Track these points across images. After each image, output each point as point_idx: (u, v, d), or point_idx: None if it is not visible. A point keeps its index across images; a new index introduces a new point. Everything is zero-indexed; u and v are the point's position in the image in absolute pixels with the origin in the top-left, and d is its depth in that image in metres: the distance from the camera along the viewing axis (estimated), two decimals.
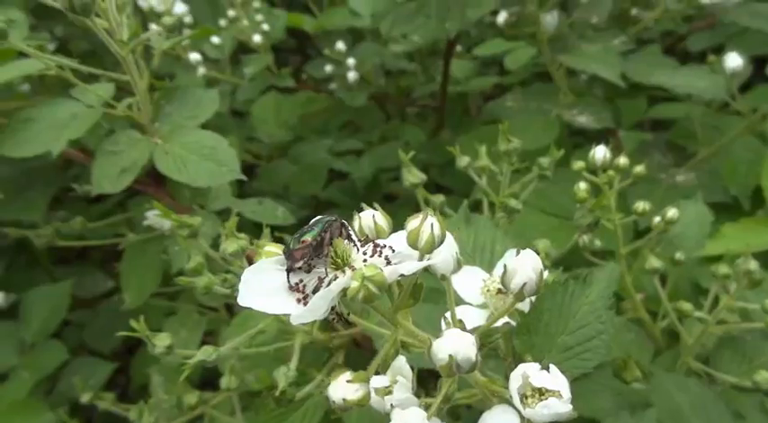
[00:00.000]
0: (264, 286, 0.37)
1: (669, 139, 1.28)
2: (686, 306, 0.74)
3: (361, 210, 0.42)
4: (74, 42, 1.64)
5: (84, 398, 0.95)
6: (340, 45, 1.53)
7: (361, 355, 0.82)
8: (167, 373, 1.05)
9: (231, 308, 1.10)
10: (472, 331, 0.40)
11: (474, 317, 0.55)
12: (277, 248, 0.39)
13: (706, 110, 1.23)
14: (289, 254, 0.38)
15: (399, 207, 1.57)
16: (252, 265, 0.38)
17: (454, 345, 0.37)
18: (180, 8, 1.35)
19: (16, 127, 0.81)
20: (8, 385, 1.19)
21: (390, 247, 0.39)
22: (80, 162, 0.93)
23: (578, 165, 0.77)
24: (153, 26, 1.31)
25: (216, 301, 1.06)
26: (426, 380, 0.55)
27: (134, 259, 0.97)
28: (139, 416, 0.81)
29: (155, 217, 0.97)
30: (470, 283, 0.57)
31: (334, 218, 0.39)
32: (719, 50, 1.52)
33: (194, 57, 1.38)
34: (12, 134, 0.80)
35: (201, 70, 1.39)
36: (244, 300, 0.36)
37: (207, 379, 1.12)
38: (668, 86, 1.10)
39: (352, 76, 1.51)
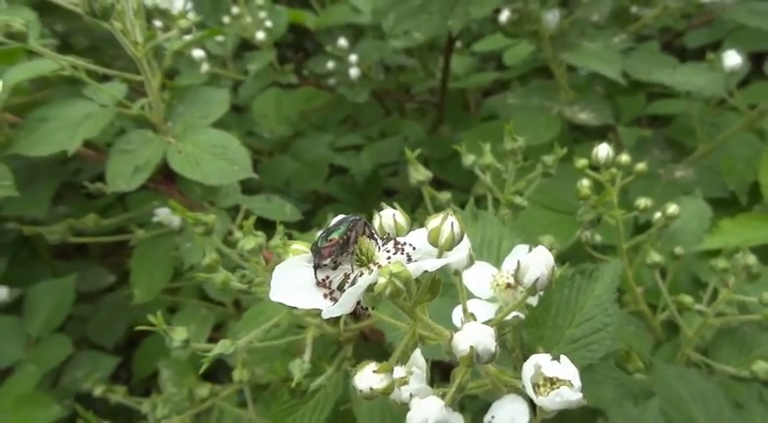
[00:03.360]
0: (294, 282, 0.39)
1: (668, 135, 1.30)
2: (686, 299, 0.76)
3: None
4: (74, 38, 1.65)
5: (97, 391, 0.97)
6: (342, 42, 1.54)
7: (368, 348, 0.84)
8: (176, 366, 1.07)
9: (238, 303, 1.12)
10: (486, 323, 0.42)
11: (484, 310, 0.57)
12: (304, 246, 0.41)
13: (704, 106, 1.25)
14: (317, 251, 0.40)
15: (399, 202, 1.58)
16: (282, 263, 0.40)
17: (475, 336, 0.39)
18: (181, 4, 1.36)
19: (30, 126, 0.82)
20: (15, 379, 1.20)
21: (411, 245, 0.41)
22: (83, 157, 0.93)
23: (581, 163, 0.79)
24: (157, 23, 1.32)
25: (225, 296, 1.08)
26: (432, 373, 0.57)
27: (144, 255, 0.98)
28: (152, 409, 0.82)
29: (164, 214, 0.98)
30: (480, 278, 0.59)
31: (358, 217, 0.41)
32: (717, 47, 1.54)
33: (198, 53, 1.39)
34: (26, 133, 0.81)
35: (205, 67, 1.40)
36: (276, 295, 0.38)
37: (209, 372, 1.14)
38: (667, 84, 1.12)
39: (353, 72, 1.52)
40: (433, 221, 0.39)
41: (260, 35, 1.46)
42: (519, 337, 0.55)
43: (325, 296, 0.39)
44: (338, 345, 0.78)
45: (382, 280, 0.35)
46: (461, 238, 0.40)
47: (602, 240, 0.92)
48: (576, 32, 1.17)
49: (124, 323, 1.45)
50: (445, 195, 0.80)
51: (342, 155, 1.64)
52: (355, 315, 0.39)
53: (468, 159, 0.81)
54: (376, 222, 0.43)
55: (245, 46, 1.56)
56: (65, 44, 1.56)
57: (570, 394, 0.40)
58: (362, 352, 0.79)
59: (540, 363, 0.42)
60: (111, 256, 1.67)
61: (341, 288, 0.39)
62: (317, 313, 0.65)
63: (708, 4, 1.18)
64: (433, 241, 0.39)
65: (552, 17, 1.14)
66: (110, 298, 1.51)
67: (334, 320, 0.70)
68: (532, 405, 0.46)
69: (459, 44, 1.68)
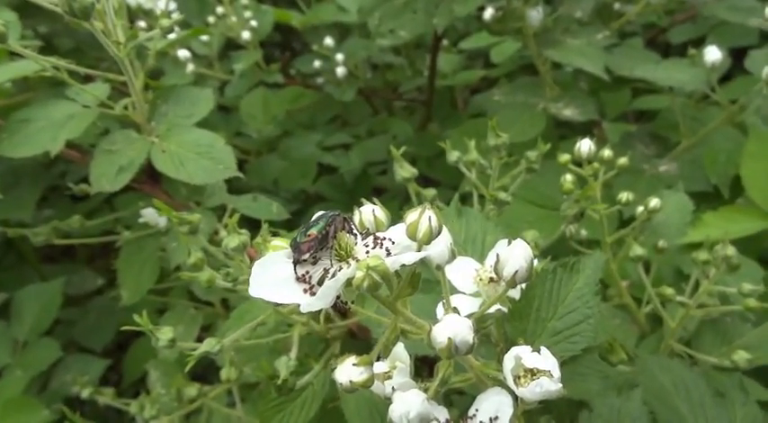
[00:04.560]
0: (273, 278, 0.40)
1: (652, 130, 1.32)
2: (668, 291, 0.77)
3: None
4: (57, 39, 1.64)
5: (85, 393, 0.96)
6: (328, 41, 1.55)
7: (356, 346, 0.84)
8: (164, 367, 1.07)
9: (226, 302, 1.12)
10: (468, 317, 0.43)
11: (467, 305, 0.57)
12: (284, 242, 0.42)
13: (687, 101, 1.26)
14: (296, 247, 0.40)
15: (388, 200, 1.59)
16: (261, 258, 0.40)
17: (453, 328, 0.40)
18: (165, 4, 1.36)
19: (13, 127, 0.81)
20: (2, 384, 1.20)
21: (390, 240, 0.41)
22: (67, 159, 0.93)
23: (564, 158, 0.80)
24: (141, 23, 1.32)
25: (213, 295, 1.08)
26: (420, 369, 0.58)
27: (131, 256, 0.98)
28: (140, 410, 0.82)
29: (150, 214, 0.98)
30: (463, 273, 0.60)
31: (337, 213, 0.42)
32: (701, 42, 1.55)
33: (183, 53, 1.38)
34: (9, 135, 0.80)
35: (190, 67, 1.39)
36: (254, 291, 0.39)
37: (197, 373, 1.14)
38: (650, 79, 1.13)
39: (340, 71, 1.52)
40: (411, 215, 0.40)
41: (245, 35, 1.46)
42: (503, 331, 0.56)
43: (305, 291, 0.39)
44: (326, 342, 0.78)
45: (360, 273, 0.36)
46: (439, 232, 0.40)
47: (587, 235, 0.93)
48: (560, 29, 1.18)
49: (113, 326, 1.44)
50: (430, 192, 0.81)
51: (330, 154, 1.64)
52: (336, 310, 0.39)
53: (453, 156, 0.82)
54: (356, 218, 0.43)
55: (231, 45, 1.56)
56: (48, 46, 1.55)
57: (550, 384, 0.41)
58: (350, 349, 0.79)
59: (520, 354, 0.43)
60: (98, 259, 1.66)
61: (320, 283, 0.39)
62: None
63: (689, 1, 1.20)
64: (411, 235, 0.40)
65: (536, 14, 1.15)
66: (98, 301, 1.51)
67: (319, 316, 0.70)
68: (516, 397, 0.47)
69: (445, 42, 1.69)
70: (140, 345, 1.38)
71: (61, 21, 0.67)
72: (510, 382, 0.43)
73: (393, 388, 0.44)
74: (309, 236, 0.40)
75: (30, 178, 1.22)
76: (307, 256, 0.40)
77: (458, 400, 0.71)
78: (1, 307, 1.37)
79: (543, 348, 0.43)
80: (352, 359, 0.40)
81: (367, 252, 0.40)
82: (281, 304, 0.56)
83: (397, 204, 1.46)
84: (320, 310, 0.39)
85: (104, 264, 1.61)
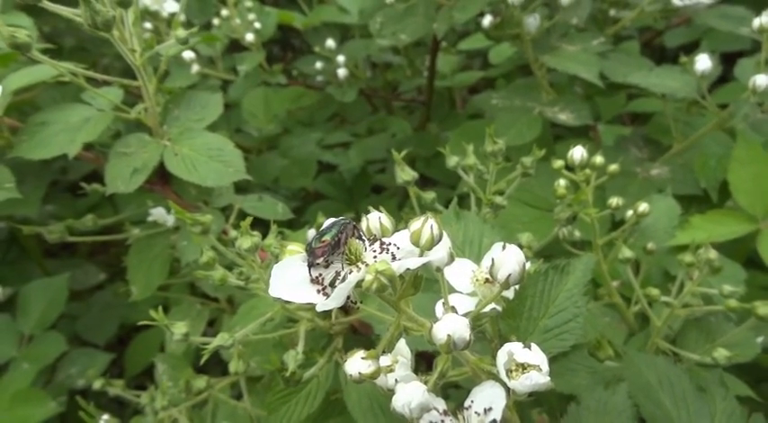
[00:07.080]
0: (290, 279, 0.44)
1: (645, 133, 1.35)
2: (654, 291, 0.81)
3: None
4: (60, 38, 1.66)
5: (96, 385, 1.00)
6: (330, 42, 1.57)
7: (357, 340, 0.88)
8: (171, 361, 1.10)
9: (231, 299, 1.15)
10: (465, 315, 0.46)
11: (464, 304, 0.61)
12: (298, 247, 0.45)
13: (679, 106, 1.29)
14: (311, 251, 0.44)
15: (387, 198, 1.62)
16: (279, 262, 0.44)
17: (452, 326, 0.43)
18: (172, 6, 1.39)
19: (31, 130, 0.84)
20: (9, 377, 1.22)
21: (395, 245, 0.45)
22: (77, 158, 0.96)
23: (558, 164, 0.83)
24: (147, 25, 1.35)
25: (219, 292, 1.11)
26: (418, 363, 0.61)
27: (141, 253, 1.02)
28: (151, 400, 0.85)
29: (159, 213, 1.01)
30: (461, 274, 0.63)
31: (348, 220, 0.46)
32: (696, 46, 1.59)
33: (188, 55, 1.41)
34: (28, 137, 0.84)
35: (195, 68, 1.42)
36: (274, 291, 0.43)
37: (199, 367, 1.17)
38: (643, 86, 1.16)
39: (342, 72, 1.55)
40: (415, 224, 0.44)
41: (249, 37, 1.48)
42: (497, 328, 0.60)
43: (318, 292, 0.43)
44: (329, 337, 0.82)
45: (369, 277, 0.39)
46: (440, 239, 0.44)
47: (580, 236, 0.96)
48: (557, 35, 1.21)
49: (116, 321, 1.47)
50: (430, 195, 0.84)
51: (330, 152, 1.67)
52: (345, 309, 0.43)
53: (452, 161, 0.85)
54: (363, 224, 0.47)
55: (234, 44, 1.58)
56: (52, 45, 1.58)
57: (539, 377, 0.45)
58: (352, 344, 0.83)
59: (512, 350, 0.47)
60: (99, 253, 1.69)
61: (332, 284, 0.43)
62: (309, 307, 0.70)
63: (682, 8, 1.23)
64: (415, 242, 0.44)
65: (533, 21, 1.18)
66: (100, 296, 1.54)
67: (326, 313, 0.74)
68: (509, 390, 0.51)
69: (444, 43, 1.72)
70: (142, 339, 1.41)
71: (63, 20, 0.69)
72: (503, 375, 0.47)
73: (396, 380, 0.48)
74: (323, 242, 0.44)
75: (34, 175, 1.25)
76: (320, 260, 0.44)
77: (453, 393, 0.75)
78: (5, 301, 1.39)
79: (533, 344, 0.47)
80: (361, 353, 0.44)
81: (374, 256, 0.44)
82: (290, 302, 0.60)
83: (396, 203, 1.50)
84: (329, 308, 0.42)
85: (105, 258, 1.64)
